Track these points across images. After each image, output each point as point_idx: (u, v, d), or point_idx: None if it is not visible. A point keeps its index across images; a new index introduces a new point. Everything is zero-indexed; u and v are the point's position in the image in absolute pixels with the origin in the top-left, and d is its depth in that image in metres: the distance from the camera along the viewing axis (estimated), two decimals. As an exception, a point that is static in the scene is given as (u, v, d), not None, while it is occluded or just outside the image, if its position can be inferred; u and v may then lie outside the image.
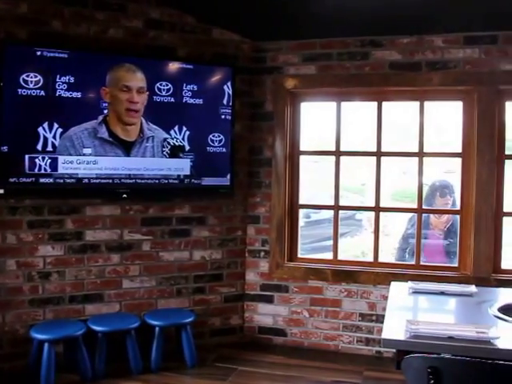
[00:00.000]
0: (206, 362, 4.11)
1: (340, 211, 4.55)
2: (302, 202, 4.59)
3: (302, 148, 4.50)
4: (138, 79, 3.93)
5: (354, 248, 8.07)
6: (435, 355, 2.11)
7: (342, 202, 4.55)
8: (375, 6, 3.74)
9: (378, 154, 4.32)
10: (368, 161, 4.41)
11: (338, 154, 4.38)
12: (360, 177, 10.93)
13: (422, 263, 4.21)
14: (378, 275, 4.18)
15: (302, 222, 9.95)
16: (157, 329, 3.91)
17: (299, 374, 4.01)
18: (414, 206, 4.32)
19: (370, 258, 7.72)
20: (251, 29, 4.31)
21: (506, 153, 4.14)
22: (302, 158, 4.50)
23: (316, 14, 3.94)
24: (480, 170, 4.00)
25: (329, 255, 4.61)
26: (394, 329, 2.58)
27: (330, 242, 9.07)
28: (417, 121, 4.25)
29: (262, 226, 4.46)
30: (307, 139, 4.60)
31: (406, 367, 2.15)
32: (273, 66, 4.42)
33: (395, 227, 6.41)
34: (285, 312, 4.45)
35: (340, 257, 8.09)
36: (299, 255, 4.52)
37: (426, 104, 4.21)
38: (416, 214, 4.31)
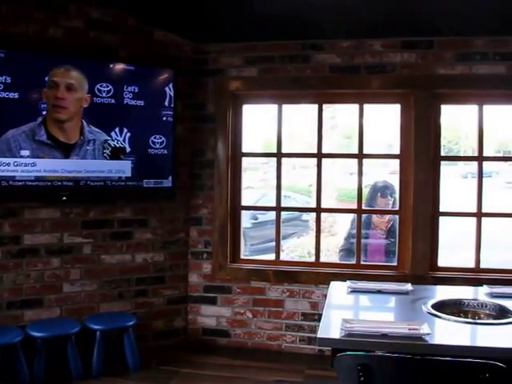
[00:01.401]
0: (149, 366, 4.08)
1: (287, 212, 4.58)
2: (245, 203, 4.61)
3: (245, 150, 4.52)
4: (68, 76, 3.84)
5: (301, 248, 8.16)
6: (364, 353, 2.16)
7: (289, 203, 4.60)
8: (316, 9, 3.80)
9: (319, 155, 4.38)
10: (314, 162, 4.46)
11: (279, 155, 4.42)
12: (307, 178, 11.08)
13: (362, 263, 4.30)
14: (319, 275, 4.23)
15: (249, 223, 10.07)
16: (98, 333, 3.86)
17: (243, 374, 4.02)
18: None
19: (313, 258, 7.85)
20: (194, 31, 4.31)
21: (442, 154, 4.27)
22: (249, 160, 4.52)
23: (258, 17, 3.97)
24: (417, 171, 4.11)
25: (272, 256, 4.63)
26: (330, 327, 2.64)
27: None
28: (356, 123, 4.32)
29: (205, 228, 4.46)
30: (254, 141, 4.63)
31: (337, 365, 2.20)
32: (215, 68, 4.43)
33: (342, 227, 6.53)
34: (228, 313, 4.46)
35: (287, 257, 8.22)
36: (242, 256, 4.54)
37: (368, 106, 4.31)
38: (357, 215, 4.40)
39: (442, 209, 4.20)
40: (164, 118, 4.20)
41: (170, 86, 4.21)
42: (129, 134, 4.08)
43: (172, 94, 4.22)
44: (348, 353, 2.16)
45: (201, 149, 4.45)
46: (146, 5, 4.01)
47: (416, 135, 4.11)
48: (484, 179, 4.28)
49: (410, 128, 4.14)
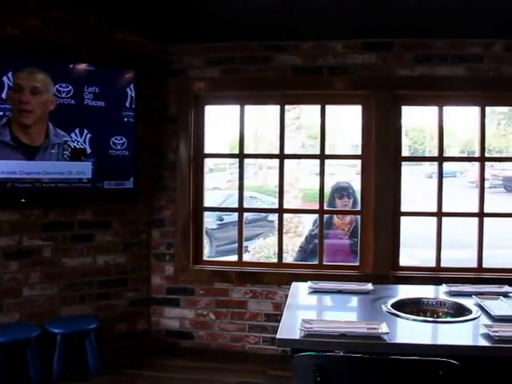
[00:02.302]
0: (111, 369, 4.04)
1: (253, 213, 4.57)
2: (211, 204, 4.60)
3: (212, 150, 4.51)
4: (33, 79, 3.79)
5: (267, 249, 8.16)
6: (320, 353, 2.16)
7: (256, 204, 4.60)
8: (277, 10, 3.81)
9: (281, 156, 4.39)
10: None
11: (241, 156, 4.41)
12: (274, 179, 11.11)
13: (324, 263, 4.32)
14: (282, 276, 4.24)
15: (215, 224, 10.04)
16: (59, 337, 3.81)
17: (206, 376, 4.02)
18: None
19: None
20: (156, 31, 4.28)
21: (407, 155, 4.32)
22: (216, 161, 4.50)
23: (221, 18, 3.96)
24: (378, 171, 4.15)
25: (236, 257, 4.62)
26: (290, 328, 2.64)
27: (245, 244, 9.14)
28: (319, 124, 4.35)
29: (167, 230, 4.43)
30: (221, 141, 4.61)
31: (294, 366, 2.20)
32: (177, 68, 4.41)
33: (308, 228, 6.53)
34: (191, 315, 4.43)
35: (253, 258, 8.21)
36: (205, 258, 4.53)
37: (337, 107, 4.34)
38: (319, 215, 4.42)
39: (405, 209, 4.25)
40: (125, 119, 4.16)
41: (132, 86, 4.18)
42: (89, 135, 4.03)
43: (133, 95, 4.18)
44: (304, 353, 2.16)
45: (163, 150, 4.42)
46: (107, 4, 3.96)
47: (377, 136, 4.15)
48: (448, 179, 4.34)
49: (371, 129, 4.18)
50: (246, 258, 8.42)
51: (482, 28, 4.01)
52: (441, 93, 4.20)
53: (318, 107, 4.35)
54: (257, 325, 4.33)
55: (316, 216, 4.71)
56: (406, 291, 3.41)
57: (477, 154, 4.37)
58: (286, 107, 4.44)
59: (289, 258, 7.97)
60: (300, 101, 4.43)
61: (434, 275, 4.13)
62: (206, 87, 4.38)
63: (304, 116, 11.36)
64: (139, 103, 4.23)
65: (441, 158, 4.27)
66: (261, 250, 8.27)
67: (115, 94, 4.14)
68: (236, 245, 4.59)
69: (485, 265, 4.33)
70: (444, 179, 4.35)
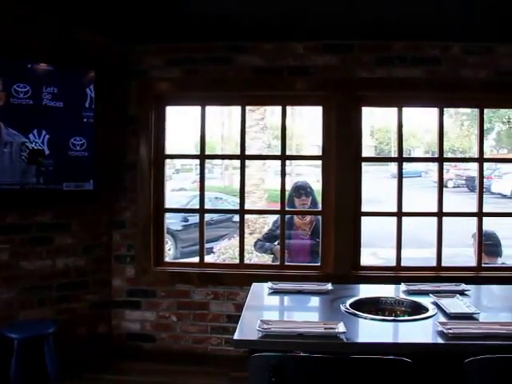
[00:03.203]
0: (71, 374, 3.96)
1: (219, 214, 4.55)
2: (176, 205, 4.57)
3: (173, 151, 4.48)
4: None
5: (232, 250, 8.17)
6: (275, 353, 2.17)
7: (221, 205, 4.58)
8: (238, 11, 3.81)
9: (242, 157, 4.38)
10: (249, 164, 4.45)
11: (202, 157, 4.39)
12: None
13: (286, 263, 4.33)
14: (243, 277, 4.22)
15: (179, 225, 9.99)
16: (16, 342, 3.72)
17: (168, 379, 4.00)
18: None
19: (245, 260, 7.86)
20: (117, 31, 4.21)
21: (364, 155, 4.36)
22: (183, 162, 4.47)
23: (182, 19, 3.94)
24: (339, 172, 4.18)
25: (198, 259, 4.60)
26: (247, 329, 2.64)
27: (208, 245, 9.14)
28: (287, 124, 4.36)
29: (128, 231, 4.39)
30: (187, 142, 4.58)
31: (250, 366, 2.20)
32: (138, 69, 4.37)
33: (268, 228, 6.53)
34: (153, 317, 4.39)
35: (219, 259, 8.20)
36: (168, 259, 4.50)
37: (305, 109, 4.35)
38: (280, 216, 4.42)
39: (371, 208, 4.29)
40: (85, 120, 4.10)
41: (91, 87, 4.12)
42: (48, 136, 3.96)
43: (93, 95, 4.12)
44: (259, 354, 2.16)
45: (124, 151, 4.37)
46: (67, 3, 3.89)
47: (337, 137, 4.18)
48: (414, 179, 4.39)
49: (331, 130, 4.21)
50: (211, 259, 8.43)
51: (441, 31, 4.07)
52: (400, 94, 4.26)
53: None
54: (219, 326, 4.32)
55: (276, 216, 4.73)
56: (365, 291, 3.44)
57: (436, 155, 4.43)
58: (251, 108, 4.44)
59: (254, 258, 8.00)
60: (261, 102, 4.44)
61: (395, 274, 4.18)
62: (167, 88, 4.35)
63: (270, 117, 11.45)
64: (99, 104, 4.16)
65: (400, 159, 4.32)
66: (226, 251, 8.27)
67: (75, 95, 4.08)
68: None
69: (449, 263, 4.41)
70: (409, 179, 4.41)
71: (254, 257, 8.05)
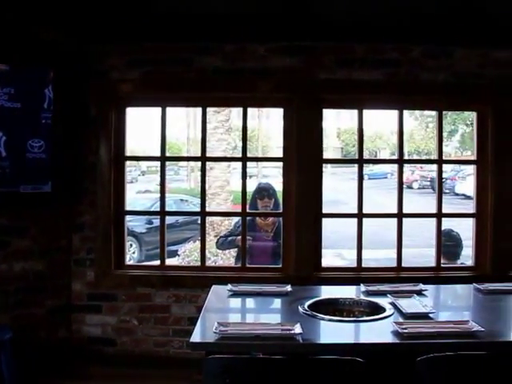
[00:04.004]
0: (30, 381, 3.89)
1: (184, 216, 4.51)
2: (140, 207, 4.53)
3: (135, 153, 4.44)
4: None
5: (197, 252, 8.13)
6: (229, 355, 2.16)
7: (187, 207, 4.54)
8: (200, 12, 3.80)
9: (203, 159, 4.36)
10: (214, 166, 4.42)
11: (163, 159, 4.36)
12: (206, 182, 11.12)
13: (247, 265, 4.32)
14: (205, 279, 4.19)
15: (143, 228, 9.93)
16: (-29, 349, 3.65)
17: (130, 383, 3.95)
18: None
19: (210, 262, 7.86)
20: (77, 30, 4.17)
21: (324, 157, 4.39)
22: (148, 163, 4.43)
23: (143, 19, 3.91)
24: (300, 173, 4.19)
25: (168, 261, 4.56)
26: (204, 331, 2.63)
27: (174, 247, 9.10)
28: (257, 126, 4.35)
29: (88, 234, 4.32)
30: (153, 143, 4.52)
31: (205, 369, 2.19)
32: (99, 69, 4.31)
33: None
34: (114, 321, 4.33)
35: (183, 262, 8.16)
36: (129, 262, 4.45)
37: (265, 110, 4.34)
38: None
39: (324, 210, 4.30)
40: (43, 121, 4.04)
41: (50, 87, 4.05)
42: (4, 138, 3.88)
43: (52, 96, 4.06)
44: (213, 356, 2.16)
45: (83, 153, 4.31)
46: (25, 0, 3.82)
47: (298, 138, 4.19)
48: (380, 180, 4.42)
49: (292, 131, 4.22)
50: (176, 261, 8.39)
51: (401, 34, 4.12)
52: (361, 96, 4.29)
53: (250, 110, 4.35)
54: (180, 329, 4.29)
55: (238, 218, 4.71)
56: (325, 292, 3.46)
57: (396, 156, 4.48)
58: (217, 109, 4.43)
59: (219, 261, 7.99)
60: (222, 103, 4.43)
61: (356, 275, 4.20)
62: (127, 89, 4.30)
63: (235, 118, 11.44)
64: (58, 104, 4.09)
65: (361, 160, 4.36)
66: (191, 253, 8.24)
67: (32, 95, 4.00)
68: (166, 248, 4.52)
69: (414, 264, 4.45)
70: (376, 181, 4.44)
71: (219, 259, 8.05)
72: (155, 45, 4.28)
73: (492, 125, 4.29)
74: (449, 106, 4.67)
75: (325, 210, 4.31)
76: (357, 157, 4.46)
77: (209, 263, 8.09)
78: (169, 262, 8.28)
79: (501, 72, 4.29)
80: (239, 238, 4.57)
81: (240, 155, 4.37)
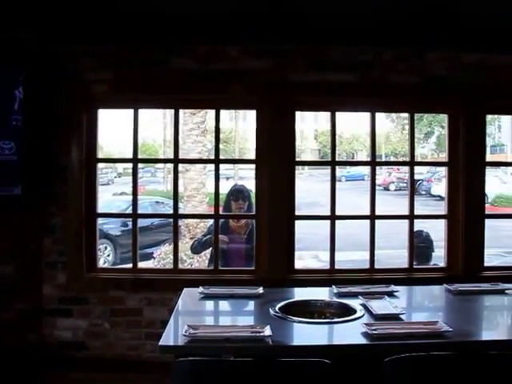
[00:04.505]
0: (-1, 386, 3.85)
1: (160, 218, 4.46)
2: (115, 210, 4.49)
3: (112, 155, 4.40)
4: None
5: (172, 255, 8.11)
6: (197, 358, 2.16)
7: (163, 210, 4.51)
8: (173, 14, 3.79)
9: (176, 161, 4.33)
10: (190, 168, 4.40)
11: (135, 161, 4.32)
12: (183, 184, 11.09)
13: (220, 268, 4.30)
14: (177, 282, 4.15)
15: (118, 230, 9.86)
16: None
17: (102, 387, 3.91)
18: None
19: (186, 265, 7.84)
20: (48, 30, 4.12)
21: (297, 159, 4.39)
22: (125, 165, 4.38)
23: (116, 19, 3.89)
24: (273, 175, 4.18)
25: (144, 264, 4.52)
26: (174, 334, 2.62)
27: (150, 250, 9.05)
28: (230, 128, 4.34)
29: (59, 237, 4.24)
30: (125, 145, 4.48)
31: (172, 372, 2.18)
32: (71, 70, 4.24)
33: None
34: (85, 325, 4.26)
35: (159, 264, 8.12)
36: (104, 266, 4.40)
37: (224, 112, 4.33)
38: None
39: (298, 212, 4.31)
40: (13, 123, 3.98)
41: (20, 89, 4.00)
42: (-27, 140, 3.83)
43: (22, 97, 4.00)
44: (181, 359, 2.15)
45: (54, 155, 4.24)
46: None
47: (271, 140, 4.19)
48: (357, 182, 4.44)
49: (265, 133, 4.21)
50: (152, 264, 8.36)
51: (373, 36, 4.15)
52: (333, 98, 4.29)
53: (228, 111, 4.33)
54: (153, 332, 4.23)
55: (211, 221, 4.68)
56: (297, 294, 3.47)
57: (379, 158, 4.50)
58: (192, 111, 4.41)
59: (195, 263, 7.98)
60: (195, 105, 4.40)
61: (329, 277, 4.20)
62: (99, 90, 4.25)
63: (211, 120, 11.40)
64: (29, 106, 4.03)
65: (333, 163, 4.37)
66: (166, 256, 8.21)
67: (2, 96, 3.95)
68: (140, 251, 4.49)
69: (390, 265, 4.47)
70: (353, 182, 4.46)
71: (195, 262, 8.03)
72: (127, 46, 4.23)
73: (463, 127, 4.34)
74: (420, 108, 4.73)
75: (302, 212, 4.32)
76: (338, 159, 4.46)
77: (185, 266, 8.09)
78: (145, 264, 8.30)
79: (471, 75, 4.33)
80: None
81: (212, 157, 4.34)
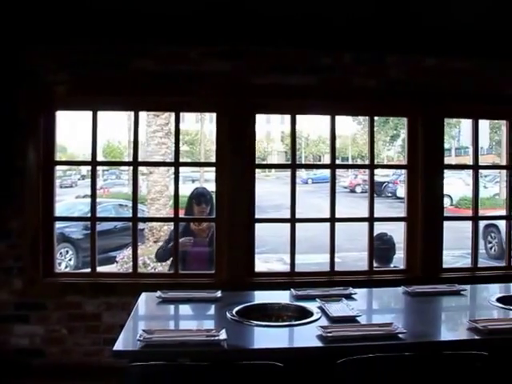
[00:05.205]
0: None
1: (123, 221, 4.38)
2: (78, 213, 4.41)
3: (69, 157, 4.33)
4: None
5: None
6: (149, 363, 2.14)
7: (126, 213, 4.44)
8: (134, 14, 3.75)
9: (135, 164, 4.29)
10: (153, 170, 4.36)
11: (94, 164, 4.26)
12: (146, 186, 11.01)
13: (180, 272, 4.26)
14: (137, 286, 4.10)
15: (81, 234, 9.72)
16: None
17: (59, 395, 3.84)
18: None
19: (149, 268, 7.77)
20: (5, 30, 4.04)
21: (263, 162, 4.38)
22: (86, 168, 4.31)
23: (74, 19, 3.83)
24: (233, 178, 4.17)
25: (103, 268, 4.46)
26: (129, 339, 2.59)
27: (113, 254, 8.94)
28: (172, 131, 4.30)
29: (15, 241, 4.14)
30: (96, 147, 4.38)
31: (126, 378, 2.16)
32: (28, 70, 4.16)
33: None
34: (42, 331, 4.18)
35: (121, 269, 8.04)
36: (59, 270, 4.32)
37: (185, 114, 4.29)
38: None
39: (257, 215, 4.30)
40: (-31, 125, 3.90)
41: (-24, 90, 3.92)
42: None
43: (-23, 99, 3.92)
44: (133, 364, 2.13)
45: (11, 157, 4.16)
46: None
47: (231, 143, 4.18)
48: (323, 184, 4.44)
49: (225, 136, 4.20)
50: (115, 268, 8.26)
51: (334, 40, 4.18)
52: (293, 101, 4.31)
53: (193, 114, 4.30)
54: (112, 338, 4.07)
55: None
56: (255, 297, 3.46)
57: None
58: (156, 113, 4.36)
59: (159, 267, 7.90)
60: (155, 107, 4.36)
61: (289, 280, 4.22)
62: (58, 91, 4.17)
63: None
64: (-16, 107, 3.97)
65: (293, 165, 4.38)
66: (129, 259, 8.10)
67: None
68: (104, 255, 4.42)
69: (355, 268, 4.48)
70: (319, 185, 4.47)
71: (159, 266, 7.96)
72: (87, 47, 4.18)
73: (422, 130, 4.39)
74: (380, 111, 4.78)
75: (269, 215, 4.32)
76: (305, 161, 4.47)
77: (149, 270, 8.03)
78: (108, 268, 8.21)
79: (430, 79, 4.40)
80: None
81: (182, 160, 4.31)
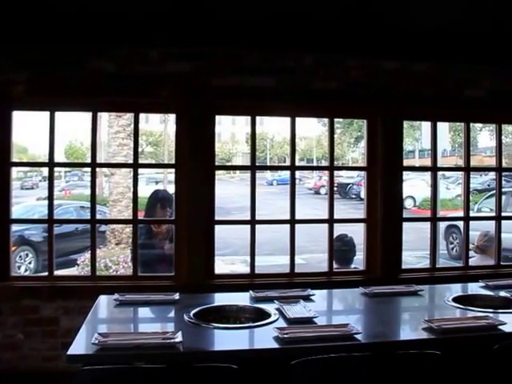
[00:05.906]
0: None
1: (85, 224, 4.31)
2: (38, 216, 4.33)
3: (30, 158, 4.25)
4: None
5: (97, 262, 7.93)
6: (102, 366, 2.11)
7: (88, 215, 4.36)
8: (93, 14, 3.70)
9: (93, 165, 4.24)
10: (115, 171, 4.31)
11: (51, 165, 4.18)
12: (109, 188, 10.89)
13: (140, 274, 4.22)
14: (95, 289, 4.04)
15: (41, 236, 9.55)
16: None
17: (14, 402, 3.76)
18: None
19: (110, 271, 7.69)
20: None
21: (220, 163, 4.37)
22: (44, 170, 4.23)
23: (32, 18, 3.77)
24: (192, 180, 4.15)
25: (65, 271, 4.39)
26: (83, 343, 2.55)
27: (74, 256, 8.81)
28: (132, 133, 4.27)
29: (-32, 245, 4.08)
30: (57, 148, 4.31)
31: (78, 382, 2.13)
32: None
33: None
34: (-4, 337, 4.11)
35: (82, 272, 7.93)
36: (12, 274, 4.22)
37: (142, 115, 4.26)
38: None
39: (217, 217, 4.29)
40: None
41: None
42: None
43: None
44: (85, 368, 2.10)
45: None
46: None
47: (190, 145, 4.15)
48: (287, 186, 4.46)
49: (184, 137, 4.18)
50: (76, 271, 8.14)
51: (295, 41, 4.19)
52: (254, 103, 4.31)
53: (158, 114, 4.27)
54: (70, 342, 4.10)
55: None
56: (214, 299, 3.45)
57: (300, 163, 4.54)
58: (118, 114, 4.30)
59: (121, 269, 7.83)
60: (114, 108, 4.32)
61: (249, 282, 4.22)
62: (14, 91, 4.09)
63: (140, 123, 11.33)
64: None
65: (253, 167, 4.38)
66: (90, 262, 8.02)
67: None
68: (66, 258, 4.35)
69: (319, 269, 4.50)
70: (284, 186, 4.48)
71: (120, 268, 7.90)
72: (44, 46, 4.10)
73: (381, 132, 4.44)
74: (340, 113, 4.81)
75: (234, 216, 4.31)
76: (270, 163, 4.48)
77: (110, 272, 7.93)
78: (68, 271, 8.09)
79: (389, 82, 4.45)
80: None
81: (146, 161, 4.28)
